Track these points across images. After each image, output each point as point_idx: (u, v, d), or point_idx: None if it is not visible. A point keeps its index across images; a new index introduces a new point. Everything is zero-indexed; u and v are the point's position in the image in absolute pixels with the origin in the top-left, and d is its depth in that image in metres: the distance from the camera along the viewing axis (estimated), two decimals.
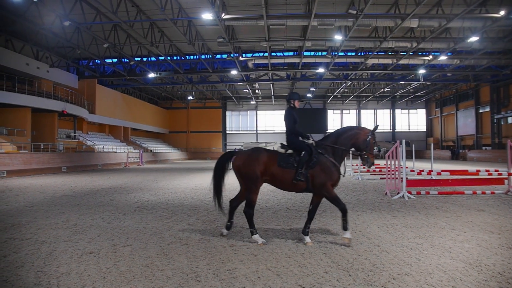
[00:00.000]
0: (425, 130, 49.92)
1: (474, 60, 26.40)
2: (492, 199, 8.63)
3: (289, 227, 5.67)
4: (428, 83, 36.10)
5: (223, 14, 18.22)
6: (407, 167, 9.47)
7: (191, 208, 7.59)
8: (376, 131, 4.93)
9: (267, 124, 51.13)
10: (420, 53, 26.41)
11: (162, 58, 26.84)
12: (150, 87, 37.71)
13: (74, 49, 24.28)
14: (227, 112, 51.47)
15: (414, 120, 50.48)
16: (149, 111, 45.01)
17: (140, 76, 30.85)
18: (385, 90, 40.19)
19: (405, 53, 24.92)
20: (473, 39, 20.32)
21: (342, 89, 40.25)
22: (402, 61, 26.09)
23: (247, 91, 40.66)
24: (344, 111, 50.51)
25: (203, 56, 26.74)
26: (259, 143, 42.23)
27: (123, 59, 28.76)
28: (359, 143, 4.85)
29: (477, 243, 4.62)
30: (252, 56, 28.01)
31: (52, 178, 15.73)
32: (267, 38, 21.86)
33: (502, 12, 17.08)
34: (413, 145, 14.65)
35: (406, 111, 50.31)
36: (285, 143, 5.04)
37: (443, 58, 25.01)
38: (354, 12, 17.34)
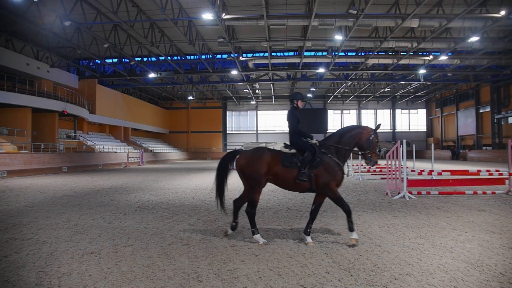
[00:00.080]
0: (425, 130, 49.91)
1: (475, 60, 26.40)
2: (493, 199, 8.62)
3: (290, 227, 5.67)
4: (429, 83, 36.09)
5: (224, 14, 18.23)
6: (407, 167, 9.47)
7: (192, 208, 7.58)
8: (377, 131, 4.93)
9: (267, 124, 51.13)
10: (421, 53, 26.41)
11: (163, 58, 26.85)
12: (151, 87, 37.72)
13: (74, 49, 24.32)
14: (227, 112, 51.48)
15: (414, 120, 50.46)
16: (149, 111, 45.01)
17: (141, 76, 30.87)
18: (386, 90, 40.18)
19: (405, 53, 24.92)
20: (474, 39, 20.32)
21: (343, 89, 40.25)
22: (402, 61, 26.09)
23: (248, 91, 40.66)
24: (345, 111, 50.50)
25: (203, 56, 26.75)
26: (259, 143, 42.14)
27: (123, 59, 28.78)
28: (362, 142, 4.84)
29: (479, 243, 4.61)
30: (252, 56, 28.00)
31: (52, 178, 15.73)
32: (268, 38, 21.86)
33: (503, 12, 17.08)
34: (414, 145, 14.65)
35: (407, 111, 50.29)
36: (287, 142, 5.03)
37: (443, 58, 25.02)
38: (355, 12, 17.34)
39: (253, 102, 48.84)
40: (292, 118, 4.98)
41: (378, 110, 50.27)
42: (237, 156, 4.96)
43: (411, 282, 3.32)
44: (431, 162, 13.14)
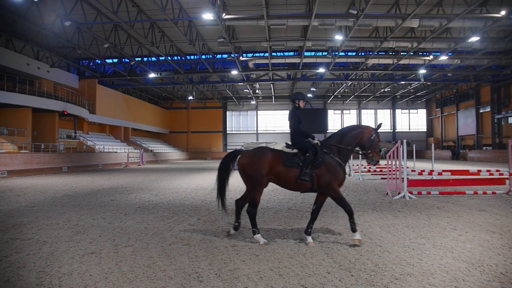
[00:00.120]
0: (425, 130, 49.89)
1: (475, 60, 26.39)
2: (494, 199, 8.62)
3: (291, 227, 5.67)
4: (429, 83, 36.08)
5: (224, 14, 18.23)
6: (408, 167, 9.46)
7: (192, 208, 7.58)
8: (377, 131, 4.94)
9: (268, 124, 51.11)
10: (421, 53, 26.41)
11: (163, 58, 26.86)
12: (151, 87, 37.72)
13: (74, 49, 24.33)
14: (227, 112, 51.47)
15: (414, 120, 50.45)
16: (149, 111, 45.02)
17: (141, 76, 30.87)
18: (386, 90, 40.18)
19: (405, 53, 24.92)
20: (474, 39, 20.31)
21: (343, 89, 40.25)
22: (402, 61, 26.09)
23: (248, 91, 40.65)
24: (345, 111, 50.50)
25: (203, 56, 26.75)
26: (260, 143, 42.14)
27: (123, 59, 28.79)
28: (363, 142, 4.84)
29: (479, 243, 4.61)
30: (252, 56, 27.99)
31: (52, 178, 15.73)
32: (268, 38, 21.86)
33: (503, 12, 17.08)
34: (414, 145, 14.64)
35: (407, 111, 50.28)
36: (288, 142, 5.03)
37: (443, 58, 25.01)
38: (355, 12, 17.34)
39: (253, 102, 48.83)
40: (294, 118, 4.97)
41: (378, 110, 50.26)
42: (239, 156, 4.95)
43: (412, 282, 3.32)
44: (431, 162, 13.14)
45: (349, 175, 5.10)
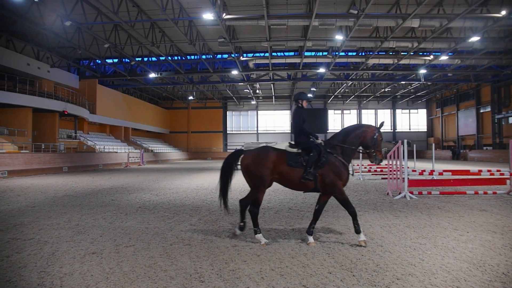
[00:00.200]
0: (425, 130, 49.87)
1: (475, 60, 26.38)
2: (494, 199, 8.61)
3: (292, 227, 5.67)
4: (429, 83, 36.07)
5: (224, 14, 18.22)
6: (408, 167, 9.46)
7: (193, 208, 7.58)
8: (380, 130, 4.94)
9: (268, 124, 51.09)
10: (421, 53, 26.40)
11: (163, 58, 26.86)
12: (151, 87, 37.73)
13: (75, 49, 24.34)
14: (227, 112, 51.46)
15: (414, 120, 50.42)
16: (149, 111, 45.02)
17: (141, 76, 30.88)
18: (386, 90, 40.16)
19: (406, 53, 24.92)
20: (474, 39, 20.30)
21: (343, 89, 40.22)
22: (403, 61, 26.08)
23: (248, 91, 40.65)
24: (345, 111, 50.48)
25: (204, 56, 26.75)
26: (260, 143, 42.19)
27: (124, 59, 28.80)
28: (367, 141, 4.84)
29: (481, 243, 4.61)
30: (253, 56, 27.99)
31: (53, 178, 15.73)
32: (268, 38, 21.85)
33: (503, 12, 17.06)
34: (414, 145, 14.64)
35: (407, 111, 50.26)
36: (291, 142, 5.02)
37: (444, 58, 25.01)
38: (355, 12, 17.33)
39: (253, 102, 48.82)
40: (297, 118, 4.97)
41: (378, 110, 50.24)
42: (242, 156, 4.94)
43: (413, 282, 3.32)
44: (431, 162, 13.14)
45: (352, 174, 5.10)
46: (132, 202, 8.44)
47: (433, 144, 14.48)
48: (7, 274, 3.60)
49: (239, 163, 4.95)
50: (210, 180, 14.52)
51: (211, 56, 28.42)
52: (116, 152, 29.23)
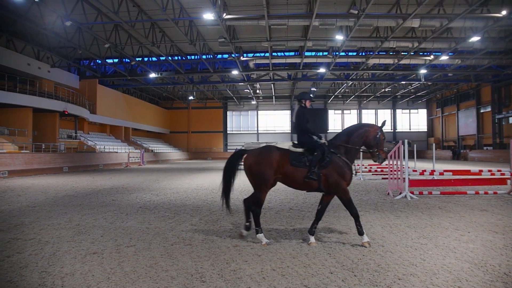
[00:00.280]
0: (426, 130, 49.86)
1: (476, 60, 26.37)
2: (495, 199, 8.61)
3: (292, 227, 5.66)
4: (429, 83, 36.06)
5: (224, 14, 18.22)
6: (409, 167, 9.45)
7: (193, 208, 7.58)
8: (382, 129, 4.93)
9: (268, 124, 51.08)
10: (421, 53, 26.38)
11: (163, 58, 26.86)
12: (151, 87, 37.73)
13: (75, 49, 24.34)
14: (228, 112, 51.45)
15: (415, 120, 50.40)
16: (150, 111, 45.02)
17: (141, 76, 30.89)
18: (386, 90, 40.16)
19: (406, 53, 24.91)
20: (475, 39, 20.29)
21: (343, 89, 40.21)
22: (403, 61, 26.07)
23: (248, 91, 40.64)
24: (345, 111, 50.46)
25: (204, 56, 26.76)
26: (260, 143, 42.18)
27: (124, 59, 28.80)
28: (369, 140, 4.84)
29: (482, 244, 4.61)
30: (253, 56, 27.99)
31: (53, 178, 15.73)
32: (268, 38, 21.85)
33: (504, 12, 17.06)
34: (415, 145, 14.63)
35: (407, 111, 50.24)
36: (294, 141, 5.02)
37: (444, 58, 25.00)
38: (356, 12, 17.33)
39: (253, 102, 48.81)
40: (301, 118, 4.95)
41: (378, 110, 50.23)
42: (245, 155, 4.93)
43: (415, 283, 3.31)
44: (432, 162, 13.13)
45: (355, 175, 5.10)
46: (133, 202, 8.44)
47: (434, 144, 14.47)
48: (8, 274, 3.60)
49: (242, 162, 4.94)
50: (211, 180, 14.52)
51: (211, 56, 28.42)
52: (117, 152, 29.23)
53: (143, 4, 19.67)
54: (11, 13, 17.94)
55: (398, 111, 50.04)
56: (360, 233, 4.58)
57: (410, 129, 50.03)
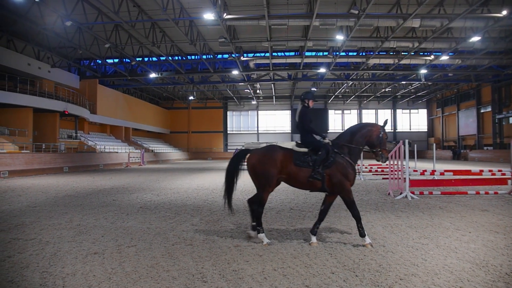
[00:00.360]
0: (426, 130, 49.84)
1: (476, 60, 26.37)
2: (496, 199, 8.60)
3: (293, 227, 5.66)
4: (430, 83, 36.05)
5: (225, 14, 18.22)
6: (409, 167, 9.45)
7: (194, 208, 7.58)
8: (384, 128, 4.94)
9: (268, 124, 51.09)
10: (422, 53, 26.38)
11: (164, 58, 26.87)
12: (151, 87, 37.74)
13: (75, 49, 24.34)
14: (228, 112, 51.46)
15: (415, 120, 50.40)
16: (150, 111, 45.03)
17: (141, 76, 30.90)
18: (386, 90, 40.16)
19: (406, 53, 24.90)
20: (475, 39, 20.29)
21: (343, 89, 40.20)
22: (403, 61, 26.07)
23: (248, 91, 40.64)
24: (345, 111, 50.46)
25: (204, 56, 26.77)
26: (260, 143, 42.14)
27: (124, 59, 28.81)
28: (372, 140, 4.84)
29: (483, 244, 4.60)
30: (253, 56, 28.00)
31: (54, 178, 15.73)
32: (269, 38, 21.85)
33: (504, 12, 17.06)
34: (415, 145, 14.64)
35: (407, 111, 50.24)
36: (298, 141, 5.01)
37: (444, 58, 25.00)
38: (356, 12, 17.33)
39: (254, 102, 48.81)
40: (304, 117, 4.95)
41: (379, 110, 50.21)
42: (248, 155, 4.91)
43: (416, 283, 3.31)
44: (432, 162, 13.12)
45: (359, 174, 5.11)
46: (133, 202, 8.43)
47: (434, 144, 14.46)
48: (9, 274, 3.59)
49: (245, 162, 4.93)
50: (211, 180, 14.50)
51: (211, 56, 28.42)
52: (117, 152, 29.23)
53: (144, 4, 19.68)
54: (11, 13, 17.95)
55: (399, 111, 50.03)
56: (362, 235, 4.56)
57: (410, 129, 50.02)
